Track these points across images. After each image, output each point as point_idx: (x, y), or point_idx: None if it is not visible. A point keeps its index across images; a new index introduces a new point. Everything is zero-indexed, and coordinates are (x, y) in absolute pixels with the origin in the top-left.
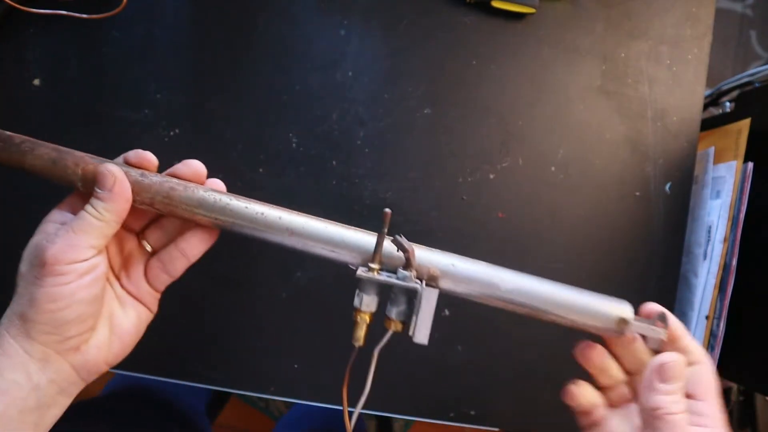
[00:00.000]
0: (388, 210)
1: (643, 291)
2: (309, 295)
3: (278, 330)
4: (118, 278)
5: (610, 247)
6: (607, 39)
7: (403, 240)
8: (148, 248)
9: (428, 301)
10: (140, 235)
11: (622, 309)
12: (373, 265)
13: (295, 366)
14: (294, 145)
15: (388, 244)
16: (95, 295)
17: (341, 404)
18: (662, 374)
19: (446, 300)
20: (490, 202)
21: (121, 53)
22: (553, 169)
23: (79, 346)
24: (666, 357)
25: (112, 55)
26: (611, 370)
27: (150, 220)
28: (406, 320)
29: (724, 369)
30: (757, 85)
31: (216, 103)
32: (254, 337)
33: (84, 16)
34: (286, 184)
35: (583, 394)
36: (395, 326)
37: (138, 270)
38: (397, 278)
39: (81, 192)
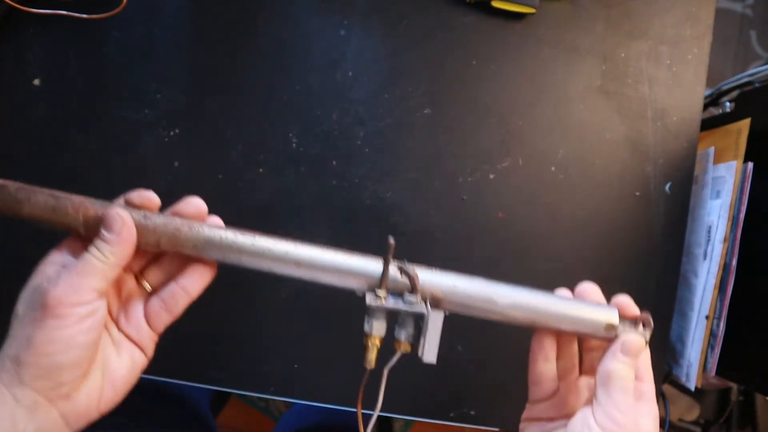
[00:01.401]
0: (392, 240)
1: (643, 291)
2: (309, 295)
3: (278, 330)
4: (116, 322)
5: (610, 247)
6: (607, 39)
7: (408, 266)
8: (148, 288)
9: (435, 324)
10: (139, 275)
11: (610, 315)
12: (380, 293)
13: (295, 366)
14: (294, 145)
15: (392, 269)
16: (93, 340)
17: (341, 404)
18: (625, 348)
19: None
20: (490, 202)
21: (121, 53)
22: (553, 169)
23: (70, 393)
24: (632, 337)
25: (112, 55)
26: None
27: (148, 261)
28: (414, 342)
29: (724, 369)
30: (757, 85)
31: (216, 103)
32: (254, 337)
33: (84, 16)
34: (286, 184)
35: (548, 351)
36: (404, 347)
37: (137, 311)
38: (404, 303)
39: (81, 236)
